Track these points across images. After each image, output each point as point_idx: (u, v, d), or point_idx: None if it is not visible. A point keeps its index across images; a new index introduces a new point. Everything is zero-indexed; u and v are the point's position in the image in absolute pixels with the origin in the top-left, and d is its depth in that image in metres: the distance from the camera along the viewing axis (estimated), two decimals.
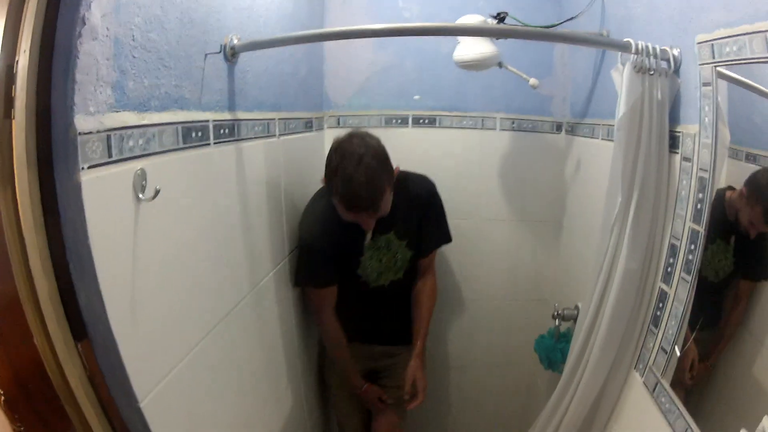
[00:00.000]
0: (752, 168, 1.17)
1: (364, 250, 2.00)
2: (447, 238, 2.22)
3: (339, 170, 1.71)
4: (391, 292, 2.11)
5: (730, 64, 1.17)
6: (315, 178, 2.24)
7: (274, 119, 1.76)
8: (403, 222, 2.03)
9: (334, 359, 2.19)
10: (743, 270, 1.25)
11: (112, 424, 0.92)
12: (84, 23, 0.84)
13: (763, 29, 1.03)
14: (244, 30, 1.49)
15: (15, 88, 0.77)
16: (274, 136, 1.77)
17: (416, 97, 2.32)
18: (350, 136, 1.78)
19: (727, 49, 1.16)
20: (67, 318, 0.86)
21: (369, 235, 1.98)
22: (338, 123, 2.46)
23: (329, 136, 2.43)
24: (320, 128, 2.39)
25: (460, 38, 2.04)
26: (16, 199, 0.79)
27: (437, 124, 2.45)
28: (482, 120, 2.49)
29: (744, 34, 1.09)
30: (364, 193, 1.71)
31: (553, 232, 2.60)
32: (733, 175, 1.23)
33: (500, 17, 1.98)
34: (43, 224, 0.83)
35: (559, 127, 2.51)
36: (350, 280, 2.04)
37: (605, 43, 1.85)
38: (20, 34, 0.77)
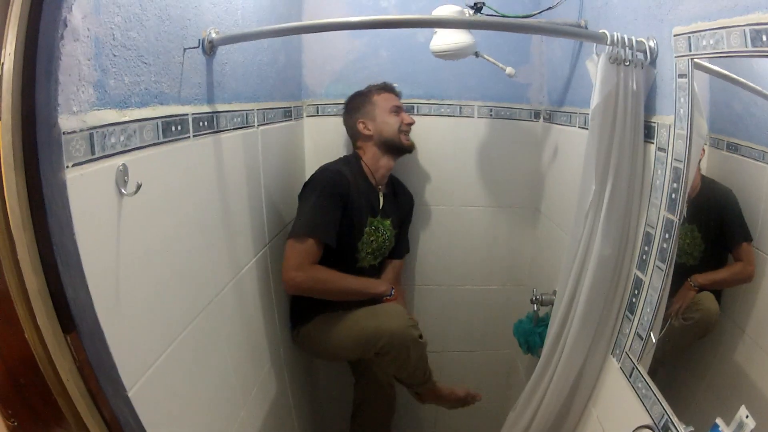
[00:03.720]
0: (734, 157, 1.19)
1: (367, 223, 2.14)
2: (408, 248, 2.57)
3: (365, 89, 2.27)
4: (367, 275, 2.23)
5: (706, 57, 1.18)
6: (295, 166, 2.28)
7: (252, 110, 1.78)
8: (397, 214, 2.33)
9: (344, 290, 2.04)
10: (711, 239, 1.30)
11: (102, 413, 0.95)
12: (66, 25, 0.86)
13: (742, 23, 1.03)
14: (222, 23, 1.50)
15: (1, 90, 0.79)
16: (253, 126, 1.80)
17: (394, 85, 2.34)
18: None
19: (704, 42, 1.16)
20: (55, 311, 0.88)
21: (381, 201, 2.20)
22: (317, 111, 2.48)
23: (308, 125, 2.47)
24: (299, 117, 2.41)
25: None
26: (4, 198, 0.81)
27: (415, 112, 2.47)
28: (459, 108, 2.51)
29: (721, 28, 1.09)
30: None
31: (530, 217, 2.64)
32: (714, 165, 1.26)
33: (477, 7, 2.00)
34: (30, 222, 0.84)
35: (536, 115, 2.54)
36: (347, 254, 2.11)
37: (580, 35, 1.86)
38: (5, 38, 0.78)
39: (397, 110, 2.22)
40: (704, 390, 1.28)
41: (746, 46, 1.02)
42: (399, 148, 2.22)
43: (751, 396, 1.08)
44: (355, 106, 2.24)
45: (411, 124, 2.25)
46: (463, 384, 2.40)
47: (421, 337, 1.95)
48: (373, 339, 1.93)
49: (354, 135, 2.26)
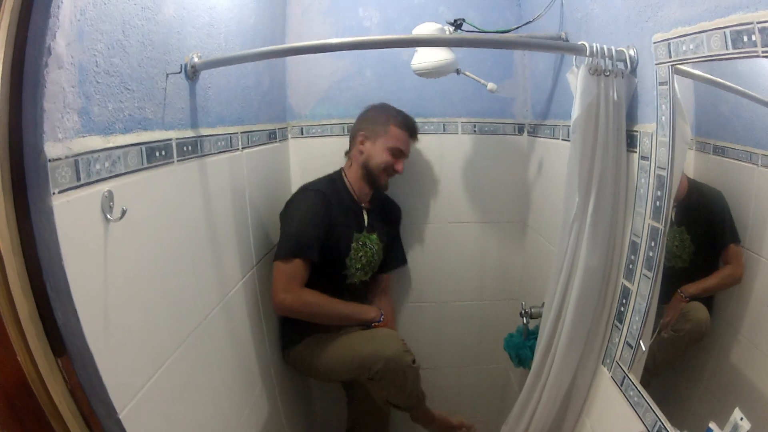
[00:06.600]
0: (720, 160, 1.17)
1: (353, 239, 2.14)
2: (405, 260, 2.57)
3: (392, 111, 2.21)
4: (359, 291, 2.26)
5: (686, 62, 1.17)
6: (281, 188, 2.28)
7: (236, 133, 1.80)
8: (383, 228, 2.34)
9: (334, 315, 2.05)
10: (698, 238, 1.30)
11: None
12: (50, 53, 0.88)
13: (722, 26, 1.01)
14: (205, 48, 1.52)
15: None
16: (237, 149, 1.81)
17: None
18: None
19: (684, 48, 1.16)
20: (46, 335, 0.89)
21: (366, 217, 2.20)
22: (301, 133, 2.50)
23: (293, 147, 2.48)
24: (284, 138, 2.42)
25: None
26: None
27: None
28: (443, 125, 2.53)
29: (701, 32, 1.08)
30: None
31: (518, 231, 2.65)
32: (700, 168, 1.25)
33: (457, 24, 2.03)
34: (20, 247, 0.86)
35: (520, 129, 2.56)
36: (336, 270, 2.12)
37: (559, 47, 1.87)
38: None
39: (397, 154, 2.18)
40: (699, 394, 1.27)
41: (727, 49, 1.01)
42: (375, 182, 2.21)
43: (747, 397, 1.08)
44: (370, 117, 2.22)
45: (398, 173, 2.21)
46: (458, 414, 2.39)
47: (414, 361, 1.95)
48: (368, 363, 1.92)
49: (351, 140, 2.25)
